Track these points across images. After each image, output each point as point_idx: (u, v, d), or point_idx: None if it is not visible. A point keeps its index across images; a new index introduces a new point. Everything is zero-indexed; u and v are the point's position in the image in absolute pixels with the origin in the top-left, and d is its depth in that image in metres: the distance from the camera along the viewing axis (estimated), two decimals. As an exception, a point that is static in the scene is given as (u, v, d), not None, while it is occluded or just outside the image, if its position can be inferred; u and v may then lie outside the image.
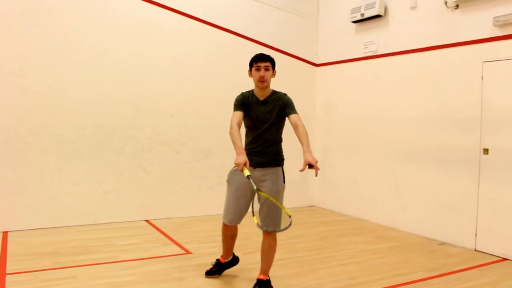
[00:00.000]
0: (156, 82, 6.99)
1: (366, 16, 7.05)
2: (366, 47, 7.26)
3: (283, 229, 3.74)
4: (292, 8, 8.11)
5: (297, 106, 4.05)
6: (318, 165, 3.60)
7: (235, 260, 4.60)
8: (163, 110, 7.03)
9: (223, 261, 4.53)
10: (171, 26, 7.07)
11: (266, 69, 3.97)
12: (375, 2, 6.86)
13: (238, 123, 3.95)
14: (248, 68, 4.12)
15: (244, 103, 4.07)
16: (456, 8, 5.85)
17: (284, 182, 4.08)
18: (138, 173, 6.90)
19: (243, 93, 4.15)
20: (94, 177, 6.61)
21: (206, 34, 7.32)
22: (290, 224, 3.64)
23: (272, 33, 7.91)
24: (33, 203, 6.22)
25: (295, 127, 3.93)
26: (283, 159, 4.17)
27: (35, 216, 6.22)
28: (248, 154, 3.90)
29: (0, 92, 5.99)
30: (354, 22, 7.39)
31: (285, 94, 4.11)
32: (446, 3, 5.92)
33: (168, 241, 5.82)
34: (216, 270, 4.51)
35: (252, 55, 4.08)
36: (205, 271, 4.56)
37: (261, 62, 3.97)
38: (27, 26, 6.13)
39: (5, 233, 5.93)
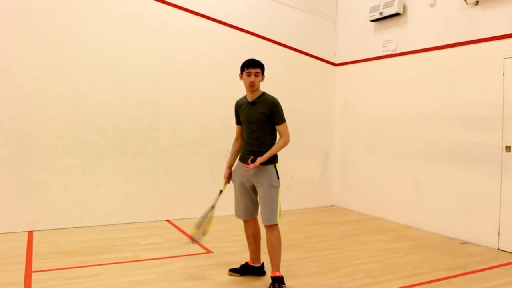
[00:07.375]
0: (175, 84, 7.06)
1: (384, 14, 7.02)
2: (385, 46, 7.22)
3: (193, 241, 4.64)
4: (310, 8, 8.10)
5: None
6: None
7: (261, 271, 4.54)
8: (182, 111, 7.10)
9: (250, 263, 4.55)
10: (190, 28, 7.14)
11: (256, 75, 4.16)
12: (394, 0, 6.82)
13: (237, 137, 4.47)
14: (239, 71, 4.31)
15: (237, 112, 4.41)
16: (476, 5, 5.78)
17: (278, 178, 4.17)
18: (159, 174, 6.98)
19: (237, 101, 4.45)
20: (116, 178, 6.71)
21: (225, 35, 7.37)
22: (197, 240, 4.59)
23: (290, 33, 7.92)
24: (57, 203, 6.35)
25: (279, 135, 4.24)
26: (275, 157, 4.24)
27: (59, 216, 6.36)
28: (243, 153, 4.31)
29: (23, 95, 6.14)
30: (373, 20, 7.36)
31: (274, 98, 4.19)
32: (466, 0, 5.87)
33: (189, 240, 5.85)
34: (241, 269, 4.54)
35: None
36: (226, 269, 4.61)
37: (252, 69, 4.16)
38: (49, 31, 6.26)
39: (30, 233, 6.06)
